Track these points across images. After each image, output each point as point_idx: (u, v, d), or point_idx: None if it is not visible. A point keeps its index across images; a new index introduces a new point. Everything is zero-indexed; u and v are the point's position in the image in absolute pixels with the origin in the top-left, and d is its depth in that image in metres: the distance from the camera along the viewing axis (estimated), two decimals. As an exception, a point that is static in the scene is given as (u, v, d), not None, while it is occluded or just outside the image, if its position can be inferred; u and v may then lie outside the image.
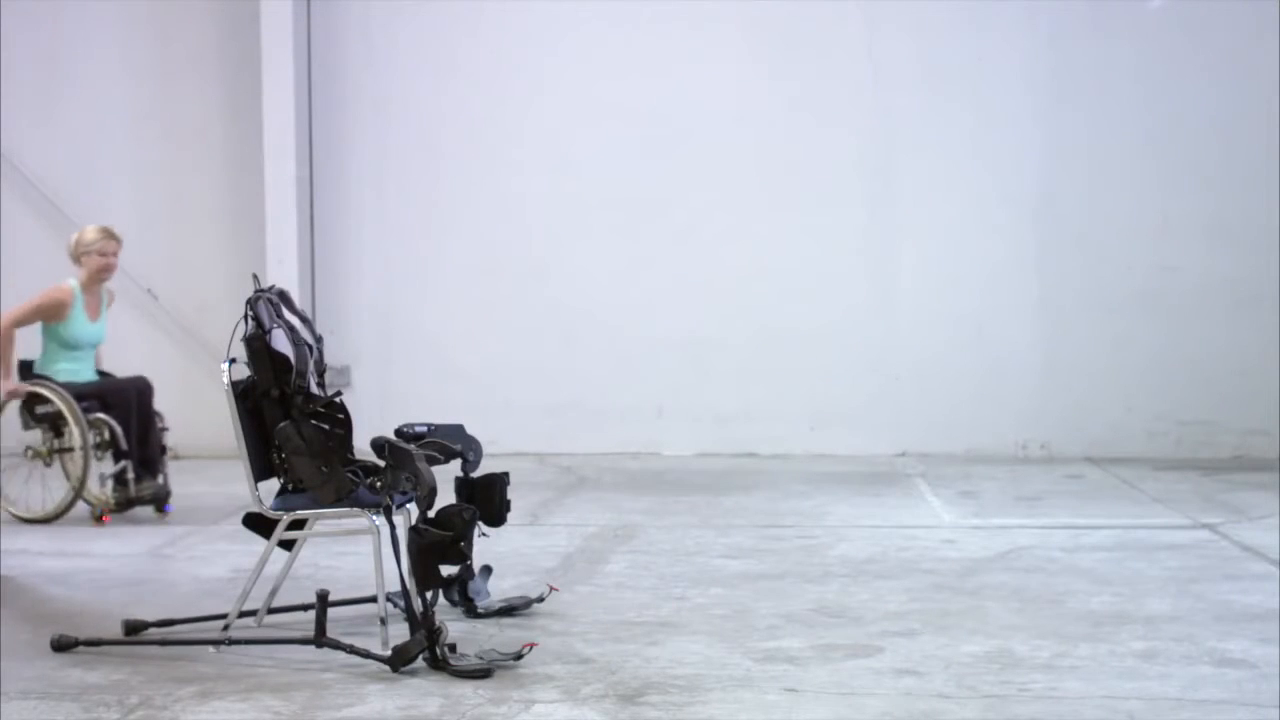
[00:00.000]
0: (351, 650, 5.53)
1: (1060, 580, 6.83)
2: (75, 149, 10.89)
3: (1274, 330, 10.32)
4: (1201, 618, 6.13)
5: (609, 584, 6.76)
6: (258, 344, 5.74)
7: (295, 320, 5.96)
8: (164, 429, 8.67)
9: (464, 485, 6.17)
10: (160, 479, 8.52)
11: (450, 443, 6.06)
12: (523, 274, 10.75)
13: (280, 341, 5.78)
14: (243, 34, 10.62)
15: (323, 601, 5.59)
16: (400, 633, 5.63)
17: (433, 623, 5.45)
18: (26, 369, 8.64)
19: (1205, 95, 10.40)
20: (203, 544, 7.79)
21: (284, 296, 6.00)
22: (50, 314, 8.52)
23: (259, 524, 5.96)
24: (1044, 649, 5.69)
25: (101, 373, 8.74)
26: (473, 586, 6.29)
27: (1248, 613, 6.20)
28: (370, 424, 6.52)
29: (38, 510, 8.47)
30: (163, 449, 8.63)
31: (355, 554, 7.14)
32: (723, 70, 10.63)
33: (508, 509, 6.24)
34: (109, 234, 8.61)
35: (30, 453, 8.53)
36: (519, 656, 5.50)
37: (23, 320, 8.58)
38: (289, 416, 5.74)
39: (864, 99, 10.59)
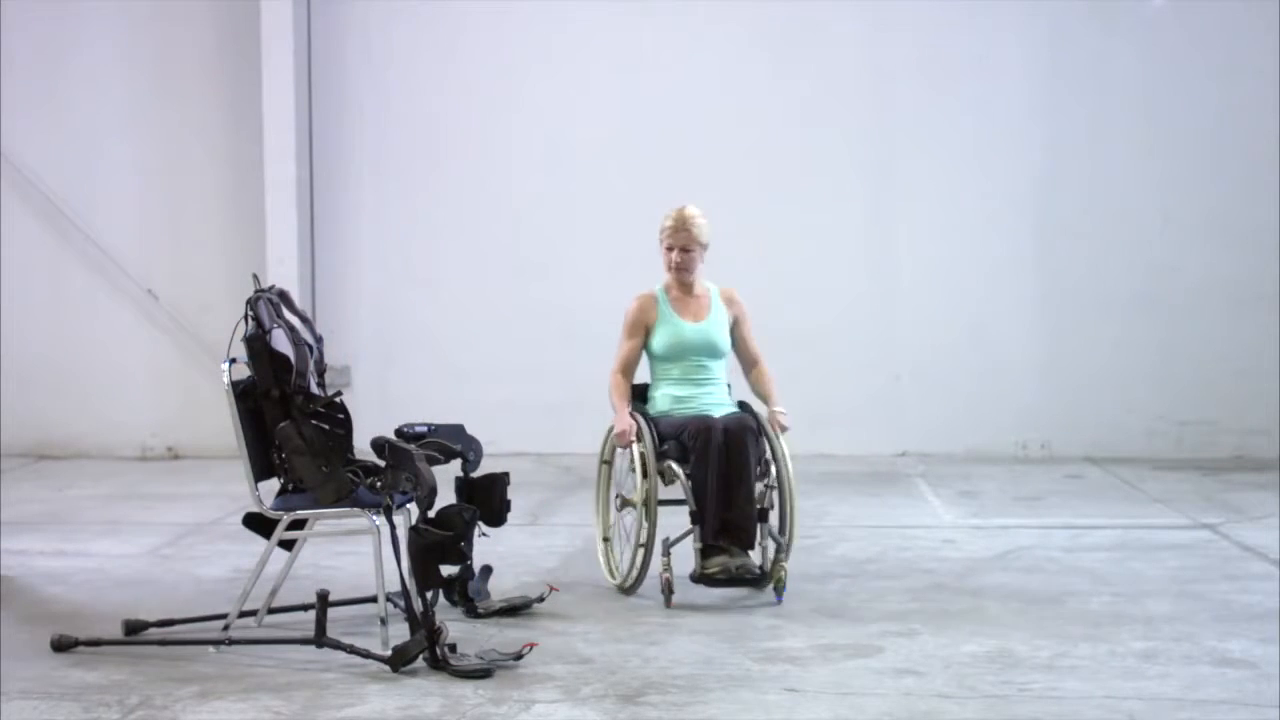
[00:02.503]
0: (351, 650, 5.53)
1: (1060, 580, 6.83)
2: (75, 149, 10.87)
3: (1274, 330, 10.32)
4: (1201, 618, 6.13)
5: (609, 584, 6.75)
6: (258, 344, 5.74)
7: (295, 320, 5.96)
8: (770, 486, 6.49)
9: (464, 485, 6.18)
10: (751, 555, 6.37)
11: (450, 443, 6.07)
12: (523, 274, 10.74)
13: (280, 341, 5.78)
14: (243, 34, 10.61)
15: (323, 601, 5.59)
16: (400, 633, 5.64)
17: (433, 623, 5.46)
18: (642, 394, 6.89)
19: (1205, 95, 10.39)
20: (203, 544, 7.79)
21: (284, 296, 6.01)
22: (637, 326, 6.77)
23: (259, 524, 5.96)
24: (1044, 649, 5.69)
25: (742, 405, 6.74)
26: (473, 586, 6.30)
27: (1248, 613, 6.21)
28: (370, 424, 6.51)
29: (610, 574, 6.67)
30: (762, 512, 6.43)
31: (355, 554, 7.14)
32: (722, 69, 10.62)
33: (508, 509, 6.25)
34: (679, 222, 6.69)
35: (619, 500, 6.67)
36: (519, 656, 5.51)
37: (627, 356, 6.78)
38: (289, 416, 5.75)
39: (864, 98, 10.58)
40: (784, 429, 6.66)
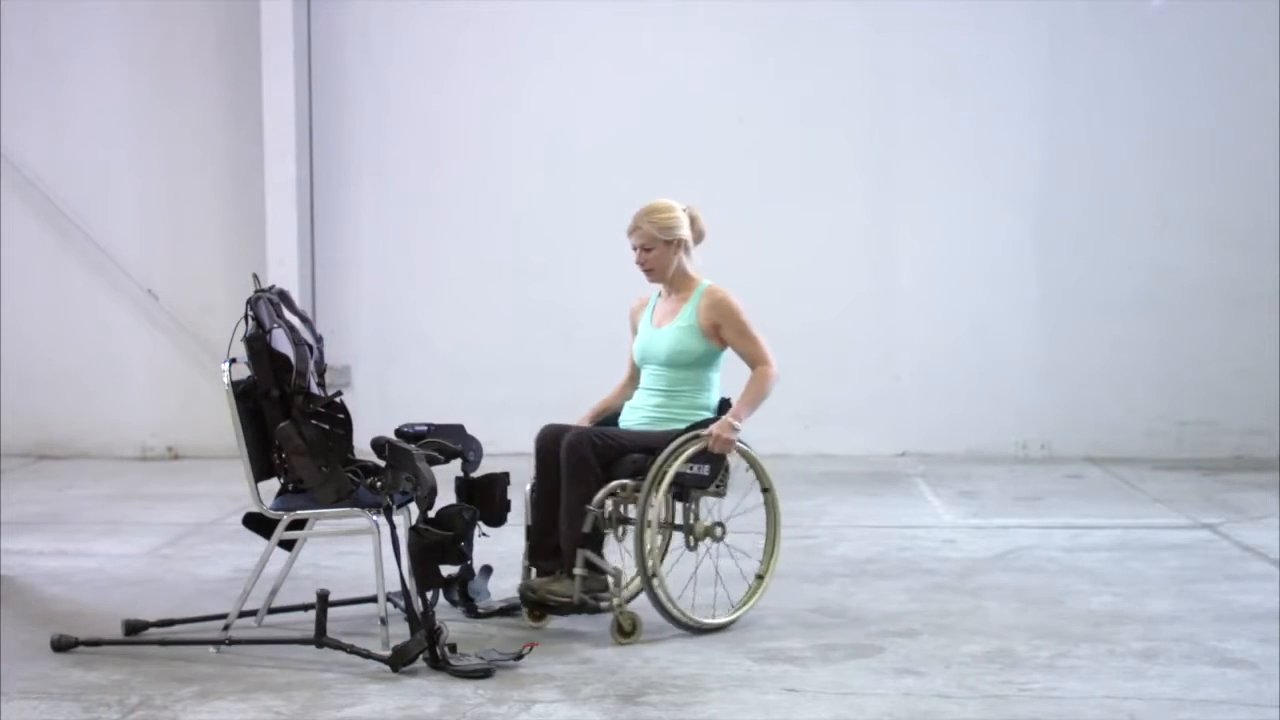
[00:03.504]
0: (351, 650, 5.53)
1: (1060, 580, 6.83)
2: (75, 149, 10.87)
3: (1274, 330, 10.32)
4: (1201, 618, 6.13)
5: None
6: (258, 344, 5.74)
7: (295, 320, 5.96)
8: (597, 508, 5.85)
9: (464, 485, 6.17)
10: (572, 578, 5.83)
11: (450, 443, 6.07)
12: (523, 273, 10.74)
13: (280, 341, 5.78)
14: (243, 34, 10.62)
15: (323, 601, 5.59)
16: (400, 633, 5.64)
17: (433, 623, 5.46)
18: None
19: (1205, 95, 10.39)
20: (203, 544, 7.79)
21: (284, 296, 6.00)
22: (631, 329, 6.43)
23: (259, 524, 5.96)
24: (1044, 649, 5.70)
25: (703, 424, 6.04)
26: (473, 586, 6.29)
27: (1248, 613, 6.21)
28: (370, 424, 6.51)
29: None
30: (585, 537, 5.84)
31: (355, 554, 7.14)
32: (722, 69, 10.62)
33: (508, 509, 6.24)
34: (635, 218, 6.20)
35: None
36: (519, 656, 5.51)
37: (630, 360, 6.39)
38: (289, 416, 5.75)
39: (864, 98, 10.58)
40: (715, 439, 5.97)
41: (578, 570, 5.84)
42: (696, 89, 10.63)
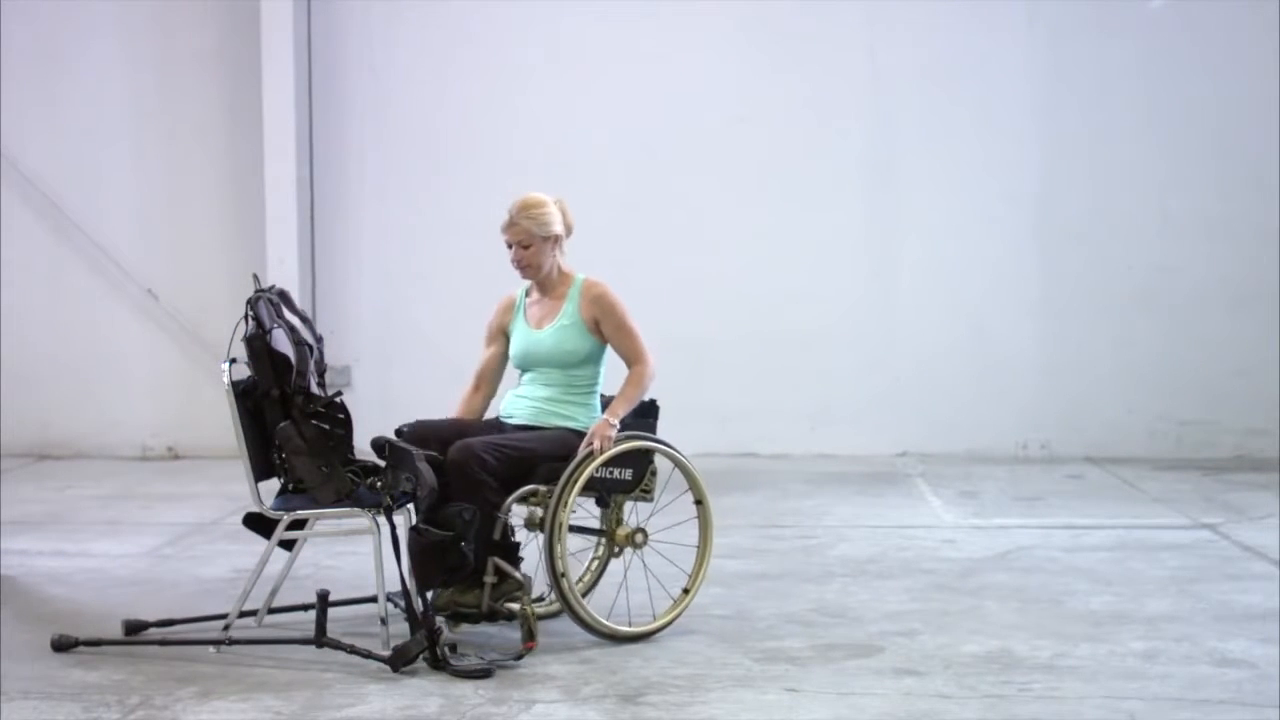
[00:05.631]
0: (352, 650, 5.53)
1: (1060, 580, 6.83)
2: (75, 149, 10.87)
3: (1274, 330, 10.32)
4: (1201, 618, 6.14)
5: (609, 584, 6.75)
6: (258, 344, 5.74)
7: (296, 320, 5.96)
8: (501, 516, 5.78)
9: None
10: (481, 586, 5.79)
11: (450, 442, 6.05)
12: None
13: (281, 341, 5.78)
14: (243, 34, 10.62)
15: (323, 601, 5.60)
16: (400, 633, 5.64)
17: (433, 623, 5.46)
18: None
19: (1205, 95, 10.39)
20: (203, 544, 7.79)
21: (284, 296, 6.00)
22: (494, 333, 6.32)
23: (259, 524, 5.96)
24: (1044, 649, 5.70)
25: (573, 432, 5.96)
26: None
27: (1248, 613, 6.21)
28: (370, 424, 6.50)
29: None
30: (495, 545, 5.78)
31: (355, 554, 7.14)
32: (723, 69, 10.63)
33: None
34: (511, 214, 6.04)
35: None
36: (519, 657, 5.52)
37: (480, 365, 6.31)
38: (289, 416, 5.75)
39: (864, 98, 10.59)
40: (598, 438, 5.84)
41: (487, 578, 5.76)
42: (696, 89, 10.63)
